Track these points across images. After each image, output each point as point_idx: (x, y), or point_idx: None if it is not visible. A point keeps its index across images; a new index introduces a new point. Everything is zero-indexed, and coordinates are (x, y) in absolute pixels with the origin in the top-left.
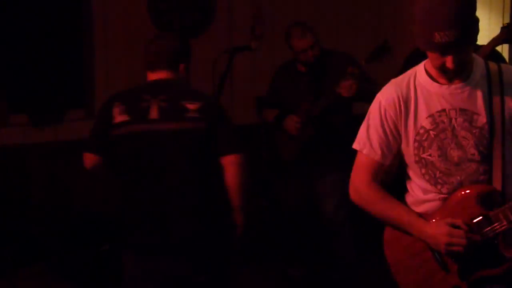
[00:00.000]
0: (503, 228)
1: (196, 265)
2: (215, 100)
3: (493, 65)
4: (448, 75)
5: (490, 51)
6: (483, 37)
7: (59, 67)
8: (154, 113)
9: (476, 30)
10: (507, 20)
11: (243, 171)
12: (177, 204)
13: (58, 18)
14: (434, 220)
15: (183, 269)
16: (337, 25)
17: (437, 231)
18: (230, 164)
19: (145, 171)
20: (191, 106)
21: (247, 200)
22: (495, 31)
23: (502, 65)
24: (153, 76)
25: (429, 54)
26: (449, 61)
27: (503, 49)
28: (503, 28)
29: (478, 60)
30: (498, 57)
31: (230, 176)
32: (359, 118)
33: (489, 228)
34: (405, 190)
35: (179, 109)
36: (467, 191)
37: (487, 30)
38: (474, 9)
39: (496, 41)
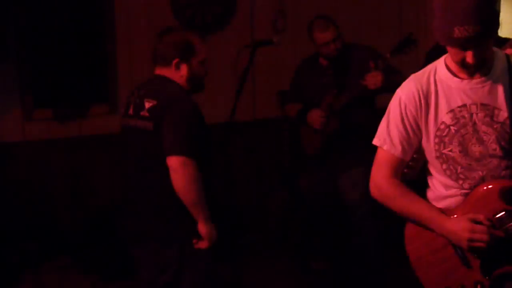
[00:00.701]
0: None
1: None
2: (173, 99)
3: None
4: (468, 70)
5: None
6: (508, 30)
7: (83, 62)
8: (131, 109)
9: (496, 24)
10: None
11: (182, 175)
12: (143, 203)
13: (82, 13)
14: (455, 216)
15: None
16: (359, 18)
17: (459, 227)
18: (170, 168)
19: (124, 164)
20: (147, 104)
21: (201, 208)
22: None
23: None
24: (154, 71)
25: (449, 49)
26: (469, 56)
27: None
28: None
29: (499, 54)
30: None
31: (172, 180)
32: (383, 111)
33: None
34: (426, 185)
35: (140, 106)
36: (489, 186)
37: (510, 23)
38: (494, 2)
39: None
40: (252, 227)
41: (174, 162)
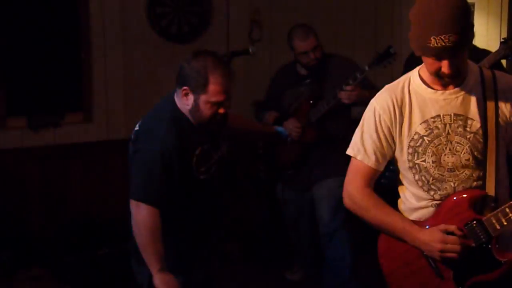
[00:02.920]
0: (496, 233)
1: None
2: (147, 134)
3: (487, 72)
4: (443, 80)
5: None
6: (481, 42)
7: (57, 71)
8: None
9: (471, 35)
10: (504, 25)
11: (134, 219)
12: None
13: (56, 21)
14: (427, 227)
15: None
16: (336, 29)
17: (431, 238)
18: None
19: None
20: (137, 126)
21: (149, 257)
22: (493, 35)
23: (496, 71)
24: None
25: (425, 59)
26: (445, 66)
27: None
28: (502, 44)
29: (473, 66)
30: (499, 67)
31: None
32: (358, 123)
33: (482, 233)
34: (398, 197)
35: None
36: (460, 196)
37: (485, 35)
38: (469, 14)
39: (495, 56)
40: (228, 237)
41: (131, 204)
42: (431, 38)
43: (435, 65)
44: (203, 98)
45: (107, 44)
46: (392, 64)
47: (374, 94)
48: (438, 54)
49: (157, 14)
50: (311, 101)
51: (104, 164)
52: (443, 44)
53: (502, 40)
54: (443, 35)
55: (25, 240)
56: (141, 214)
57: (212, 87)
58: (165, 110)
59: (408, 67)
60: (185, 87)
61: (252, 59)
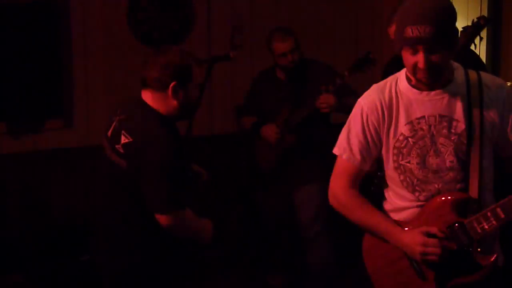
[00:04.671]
0: (477, 236)
1: None
2: (149, 142)
3: (472, 73)
4: (420, 78)
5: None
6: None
7: (37, 76)
8: (110, 132)
9: (451, 35)
10: (485, 4)
11: (179, 229)
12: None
13: (36, 27)
14: (409, 229)
15: None
16: (317, 36)
17: (412, 240)
18: (163, 225)
19: (98, 191)
20: (123, 138)
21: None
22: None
23: (482, 73)
24: (140, 94)
25: (403, 54)
26: (420, 60)
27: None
28: (461, 33)
29: (458, 68)
30: (476, 60)
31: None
32: (338, 127)
33: (464, 235)
34: (383, 198)
35: (117, 136)
36: (442, 198)
37: (465, 15)
38: (453, 16)
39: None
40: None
41: (164, 221)
42: (407, 28)
43: (411, 59)
44: (191, 85)
45: (88, 50)
46: (371, 69)
47: (353, 100)
48: (413, 44)
49: (138, 20)
50: (290, 106)
51: (85, 170)
52: (418, 34)
53: (461, 29)
54: (419, 25)
55: (5, 246)
56: (181, 221)
57: (196, 70)
58: (150, 117)
59: (389, 72)
60: (173, 85)
61: (234, 64)
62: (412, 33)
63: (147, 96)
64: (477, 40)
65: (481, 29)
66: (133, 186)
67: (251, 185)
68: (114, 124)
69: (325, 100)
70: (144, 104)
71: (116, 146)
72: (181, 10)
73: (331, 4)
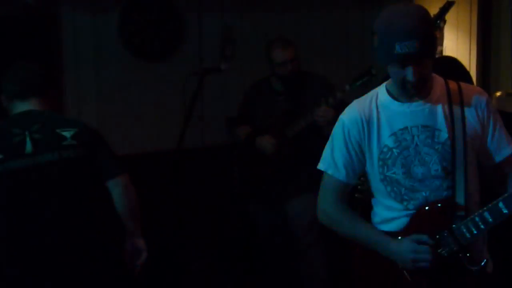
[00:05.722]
0: (466, 241)
1: None
2: (88, 124)
3: (452, 83)
4: (408, 91)
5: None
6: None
7: None
8: (29, 147)
9: (434, 45)
10: (474, 40)
11: (130, 191)
12: (63, 238)
13: (28, 39)
14: (399, 238)
15: None
16: (307, 50)
17: (403, 248)
18: (116, 187)
19: (26, 207)
20: (67, 133)
21: (141, 220)
22: (463, 50)
23: (461, 83)
24: (23, 106)
25: (390, 68)
26: (409, 73)
27: (471, 59)
28: None
29: (438, 79)
30: (455, 64)
31: (119, 199)
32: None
33: (453, 241)
34: (370, 209)
35: (55, 137)
36: (431, 206)
37: (455, 50)
38: (431, 23)
39: None
40: (202, 253)
41: (124, 179)
42: (396, 45)
43: (399, 74)
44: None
45: (79, 62)
46: (372, 84)
47: None
48: (403, 61)
49: (129, 32)
50: (286, 118)
51: None
52: (407, 50)
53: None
54: (408, 42)
55: None
56: (130, 184)
57: None
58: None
59: None
60: (51, 91)
61: (225, 76)
62: (401, 49)
63: (38, 104)
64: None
65: (446, 11)
66: (88, 172)
67: (244, 196)
68: (26, 138)
69: (324, 113)
70: (42, 109)
71: (64, 143)
72: (172, 22)
73: (322, 18)
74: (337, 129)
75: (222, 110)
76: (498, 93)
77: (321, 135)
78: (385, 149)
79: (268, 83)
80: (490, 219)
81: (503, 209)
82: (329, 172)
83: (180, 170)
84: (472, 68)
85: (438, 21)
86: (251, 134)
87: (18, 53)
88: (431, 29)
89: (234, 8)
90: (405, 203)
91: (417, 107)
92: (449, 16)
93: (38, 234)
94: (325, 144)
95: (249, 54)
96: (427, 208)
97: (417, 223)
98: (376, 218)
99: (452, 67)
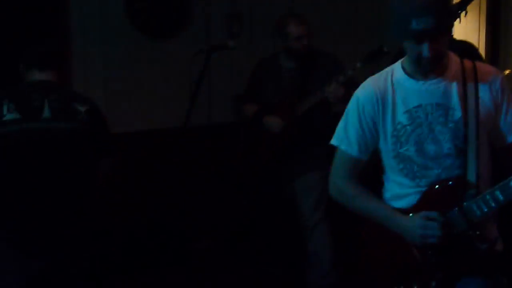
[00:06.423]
0: (477, 219)
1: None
2: (94, 103)
3: (467, 62)
4: (424, 67)
5: None
6: (460, 34)
7: None
8: (47, 112)
9: (450, 21)
10: (483, 20)
11: (111, 173)
12: (63, 199)
13: (34, 16)
14: (410, 214)
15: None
16: (315, 28)
17: (412, 223)
18: (105, 165)
19: (32, 168)
20: (81, 108)
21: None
22: (472, 31)
23: (477, 62)
24: (40, 76)
25: (406, 44)
26: (425, 50)
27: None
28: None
29: (453, 57)
30: (473, 51)
31: (103, 175)
32: (338, 116)
33: (463, 219)
34: (382, 186)
35: (71, 110)
36: (442, 184)
37: (464, 27)
38: (448, 0)
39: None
40: (208, 233)
41: (115, 161)
42: (412, 21)
43: (416, 50)
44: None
45: (86, 40)
46: (384, 62)
47: None
48: (419, 36)
49: (136, 9)
50: (296, 94)
51: None
52: (424, 26)
53: None
54: (424, 17)
55: None
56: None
57: None
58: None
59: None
60: (62, 68)
61: (232, 53)
62: (418, 25)
63: (53, 76)
64: (462, 15)
65: (468, 2)
66: (88, 145)
67: (251, 174)
68: (45, 104)
69: (335, 91)
70: (58, 81)
71: (78, 116)
72: None
73: None
74: (351, 105)
75: (229, 88)
76: (507, 71)
77: (329, 113)
78: (399, 126)
79: (277, 60)
80: (501, 198)
81: None
82: (342, 147)
83: (186, 148)
84: (481, 47)
85: (460, 11)
86: (259, 113)
87: (27, 30)
88: (447, 5)
89: None
90: (417, 180)
91: (431, 85)
92: None
93: (33, 194)
94: (333, 122)
95: (257, 31)
96: (438, 186)
97: (428, 200)
98: (387, 194)
99: (469, 52)
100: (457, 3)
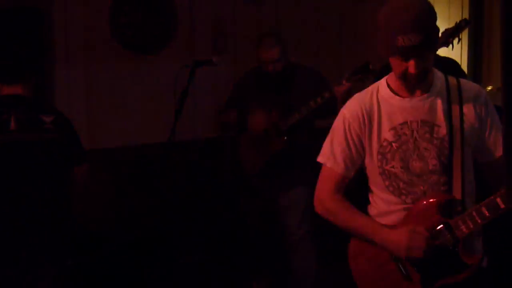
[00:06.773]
0: (463, 235)
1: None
2: (64, 114)
3: (452, 79)
4: (410, 83)
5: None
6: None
7: None
8: (13, 125)
9: (436, 38)
10: (465, 34)
11: (87, 178)
12: (33, 211)
13: (19, 31)
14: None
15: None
16: (299, 43)
17: (398, 237)
18: (81, 172)
19: (4, 180)
20: (47, 118)
21: None
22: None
23: (461, 79)
24: (9, 90)
25: (392, 61)
26: (411, 66)
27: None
28: (442, 33)
29: (438, 74)
30: (456, 68)
31: (80, 182)
32: (322, 132)
33: (450, 235)
34: (367, 203)
35: (37, 121)
36: (428, 200)
37: (447, 21)
38: (435, 17)
39: None
40: (194, 247)
41: (86, 168)
42: (398, 38)
43: (402, 66)
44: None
45: (70, 54)
46: (369, 80)
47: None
48: (405, 53)
49: (120, 25)
50: (279, 110)
51: None
52: (410, 43)
53: (443, 30)
54: (410, 34)
55: None
56: (89, 172)
57: None
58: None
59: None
60: (33, 78)
61: (216, 69)
62: (404, 42)
63: (21, 89)
64: (455, 41)
65: (461, 30)
66: (59, 155)
67: (236, 188)
68: (12, 117)
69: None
70: (26, 94)
71: (44, 126)
72: (164, 15)
73: (315, 12)
74: (337, 122)
75: (213, 103)
76: (489, 88)
77: (312, 128)
78: (384, 143)
79: (260, 73)
80: (487, 214)
81: (500, 205)
82: (328, 165)
83: (171, 163)
84: (463, 63)
85: (452, 39)
86: (241, 114)
87: (9, 44)
88: (433, 22)
89: (226, 1)
90: (403, 197)
91: (417, 102)
92: (441, 10)
93: (10, 205)
94: (316, 137)
95: (242, 47)
96: (424, 202)
97: (414, 217)
98: (373, 211)
99: (453, 69)
100: (450, 30)
